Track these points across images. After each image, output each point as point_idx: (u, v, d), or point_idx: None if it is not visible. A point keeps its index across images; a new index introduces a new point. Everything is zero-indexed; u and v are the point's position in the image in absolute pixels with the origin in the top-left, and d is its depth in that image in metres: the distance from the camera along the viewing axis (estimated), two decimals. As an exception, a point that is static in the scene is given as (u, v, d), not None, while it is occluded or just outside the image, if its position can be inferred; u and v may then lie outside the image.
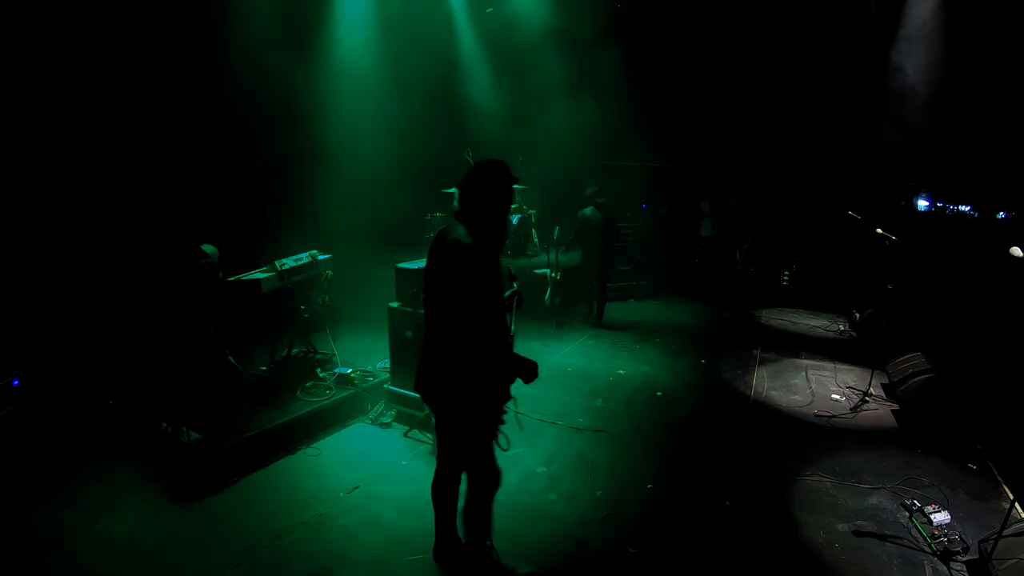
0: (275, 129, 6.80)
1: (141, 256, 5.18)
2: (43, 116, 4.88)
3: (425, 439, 4.41)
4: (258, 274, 4.73)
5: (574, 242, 7.33)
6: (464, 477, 2.94)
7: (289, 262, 4.83)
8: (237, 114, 6.25)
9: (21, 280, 4.79)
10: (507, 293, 3.03)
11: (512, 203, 2.77)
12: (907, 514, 3.64)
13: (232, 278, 4.71)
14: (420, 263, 5.16)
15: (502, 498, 3.74)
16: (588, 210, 7.23)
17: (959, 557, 3.24)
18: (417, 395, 4.38)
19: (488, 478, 2.86)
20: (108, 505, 3.65)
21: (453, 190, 8.61)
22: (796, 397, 5.42)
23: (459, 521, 3.03)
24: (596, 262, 7.32)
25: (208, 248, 4.84)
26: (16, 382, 4.42)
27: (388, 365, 4.91)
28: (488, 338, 2.66)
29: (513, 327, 2.97)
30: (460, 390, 2.67)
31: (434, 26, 9.25)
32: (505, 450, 2.89)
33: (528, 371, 2.78)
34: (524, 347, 6.46)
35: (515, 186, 2.81)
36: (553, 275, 7.27)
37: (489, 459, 2.82)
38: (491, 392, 2.75)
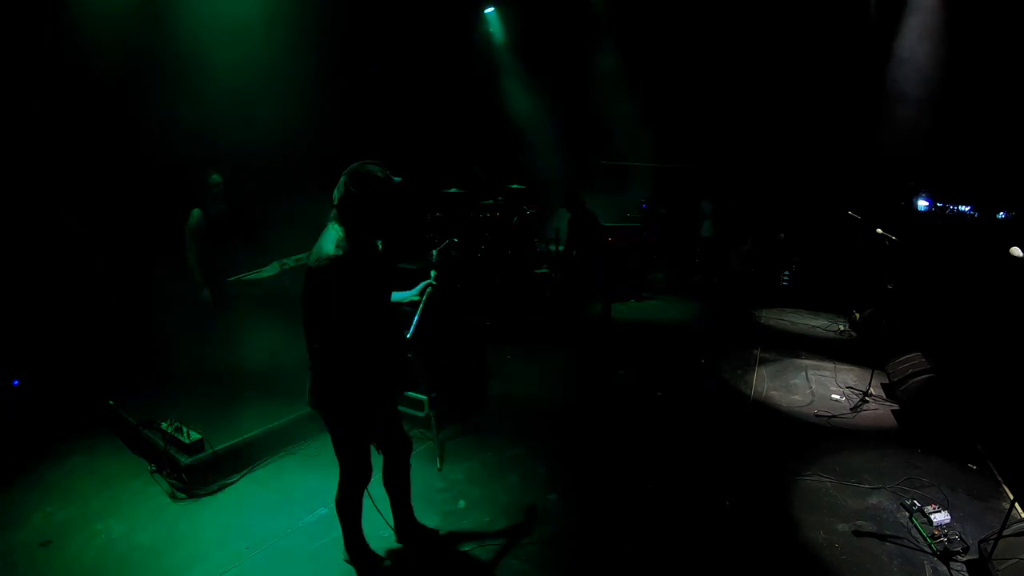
0: (273, 127, 6.79)
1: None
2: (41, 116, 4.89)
3: (425, 439, 4.41)
4: (259, 273, 4.74)
5: (572, 246, 7.29)
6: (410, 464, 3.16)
7: (290, 262, 4.84)
8: (236, 113, 6.24)
9: (19, 277, 4.79)
10: (421, 285, 3.09)
11: (388, 209, 2.65)
12: (907, 514, 3.64)
13: (233, 278, 4.71)
14: (420, 263, 5.18)
15: (502, 498, 3.77)
16: (572, 214, 7.24)
17: (959, 557, 3.24)
18: (418, 395, 4.42)
19: (355, 477, 2.93)
20: (108, 505, 3.66)
21: (454, 190, 8.65)
22: (796, 397, 5.42)
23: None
24: (594, 265, 7.34)
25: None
26: (16, 382, 4.44)
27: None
28: (363, 346, 2.63)
29: (415, 319, 3.06)
30: (332, 392, 2.68)
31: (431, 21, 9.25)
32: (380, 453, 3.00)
33: (403, 380, 2.94)
34: (524, 347, 6.52)
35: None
36: (553, 275, 7.27)
37: (359, 459, 2.88)
38: (366, 395, 2.73)
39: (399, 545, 3.33)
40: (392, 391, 2.96)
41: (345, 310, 2.54)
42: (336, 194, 2.62)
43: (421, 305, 3.10)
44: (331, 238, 2.56)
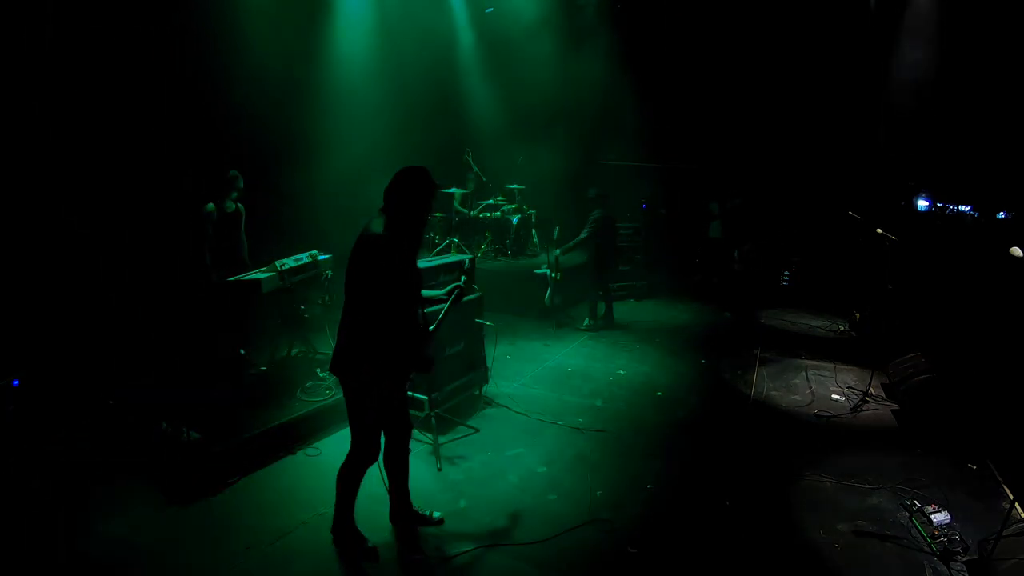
0: (274, 128, 6.80)
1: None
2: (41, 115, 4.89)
3: (425, 439, 4.41)
4: (258, 274, 4.74)
5: (585, 243, 7.18)
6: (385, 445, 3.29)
7: (289, 262, 4.83)
8: (236, 113, 6.24)
9: (19, 277, 4.79)
10: (450, 287, 3.36)
11: (431, 208, 3.09)
12: (907, 514, 3.64)
13: (232, 278, 4.71)
14: (420, 263, 5.17)
15: (502, 498, 3.78)
16: (597, 212, 7.15)
17: (959, 557, 3.24)
18: (418, 395, 4.42)
19: (366, 453, 3.10)
20: (108, 505, 3.65)
21: (453, 190, 8.66)
22: (796, 397, 5.42)
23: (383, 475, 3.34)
24: (606, 263, 7.28)
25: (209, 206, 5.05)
26: (16, 382, 4.43)
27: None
28: (395, 327, 2.94)
29: (440, 316, 3.28)
30: (362, 370, 2.94)
31: (432, 24, 9.26)
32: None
33: (423, 365, 3.12)
34: (524, 347, 6.56)
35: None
36: (553, 275, 7.26)
37: (372, 436, 3.09)
38: (389, 375, 3.02)
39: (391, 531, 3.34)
40: (406, 374, 3.16)
41: (382, 284, 2.85)
42: (389, 191, 2.99)
43: (448, 304, 3.33)
44: (378, 224, 2.92)
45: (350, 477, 3.14)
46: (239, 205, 5.21)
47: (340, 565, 3.18)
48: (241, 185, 5.16)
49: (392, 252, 2.86)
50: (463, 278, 3.43)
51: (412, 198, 2.96)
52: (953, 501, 3.71)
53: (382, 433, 3.17)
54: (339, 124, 7.61)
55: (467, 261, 3.63)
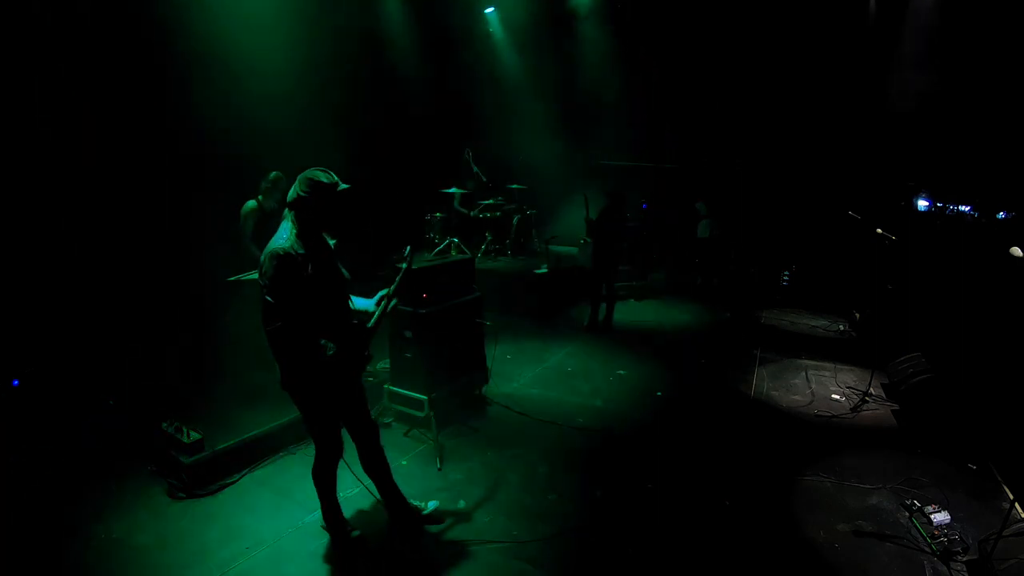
0: (273, 127, 6.78)
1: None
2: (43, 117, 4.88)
3: (425, 439, 4.41)
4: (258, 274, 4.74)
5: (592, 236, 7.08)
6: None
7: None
8: (241, 113, 6.22)
9: (20, 276, 4.79)
10: (380, 294, 3.19)
11: (337, 209, 2.90)
12: (907, 514, 3.64)
13: (232, 278, 4.72)
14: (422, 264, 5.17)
15: (502, 497, 3.78)
16: (605, 208, 7.02)
17: (959, 557, 3.24)
18: (418, 395, 4.42)
19: (327, 451, 3.15)
20: (108, 505, 3.66)
21: (453, 190, 8.66)
22: (796, 397, 5.42)
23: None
24: (608, 262, 7.18)
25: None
26: (16, 382, 4.43)
27: (388, 365, 4.90)
28: (311, 332, 2.88)
29: (376, 313, 3.15)
30: (294, 378, 2.95)
31: (434, 23, 9.27)
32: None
33: (358, 364, 3.06)
34: (524, 347, 6.54)
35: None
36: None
37: (329, 436, 3.12)
38: (334, 383, 2.99)
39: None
40: (348, 374, 3.07)
41: (291, 296, 2.76)
42: (290, 195, 2.87)
43: (377, 314, 3.15)
44: (283, 235, 2.83)
45: (321, 476, 3.21)
46: (276, 204, 5.10)
47: (338, 566, 3.18)
48: (284, 187, 4.96)
49: (287, 267, 2.74)
50: (398, 276, 3.22)
51: (314, 202, 2.82)
52: (953, 501, 3.72)
53: (342, 429, 3.18)
54: (344, 123, 7.60)
55: (407, 249, 3.32)
